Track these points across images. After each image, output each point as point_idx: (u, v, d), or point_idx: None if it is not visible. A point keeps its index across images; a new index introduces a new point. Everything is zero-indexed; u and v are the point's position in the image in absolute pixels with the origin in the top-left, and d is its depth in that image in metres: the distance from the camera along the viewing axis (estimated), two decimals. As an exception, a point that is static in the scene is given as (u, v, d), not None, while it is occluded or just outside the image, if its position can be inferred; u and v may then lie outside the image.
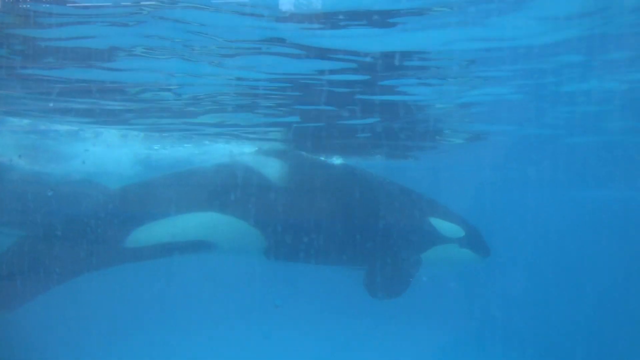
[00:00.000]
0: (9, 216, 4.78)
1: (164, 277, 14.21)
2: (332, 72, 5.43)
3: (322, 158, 8.83)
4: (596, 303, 18.03)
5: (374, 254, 5.82)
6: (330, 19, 4.19)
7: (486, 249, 6.43)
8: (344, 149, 9.36)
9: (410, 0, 3.93)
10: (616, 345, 13.59)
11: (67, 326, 11.49)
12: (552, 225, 20.27)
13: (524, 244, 20.91)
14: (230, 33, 4.53)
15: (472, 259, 6.37)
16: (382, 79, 5.61)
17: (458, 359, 12.50)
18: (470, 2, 3.98)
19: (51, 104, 7.12)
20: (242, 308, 13.89)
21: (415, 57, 5.06)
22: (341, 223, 5.73)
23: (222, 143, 10.16)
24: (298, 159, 6.01)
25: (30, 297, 4.44)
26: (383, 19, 4.18)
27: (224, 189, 5.29)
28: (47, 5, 4.11)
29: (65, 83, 5.97)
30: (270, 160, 5.75)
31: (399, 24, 4.30)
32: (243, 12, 4.07)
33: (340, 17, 4.14)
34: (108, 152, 10.21)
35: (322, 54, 4.88)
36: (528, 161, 12.83)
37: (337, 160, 9.23)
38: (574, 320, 15.77)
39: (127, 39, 4.67)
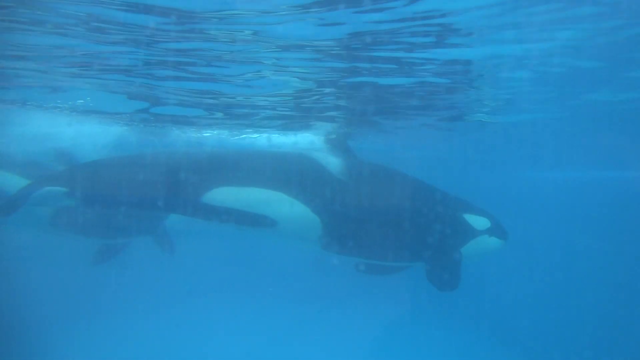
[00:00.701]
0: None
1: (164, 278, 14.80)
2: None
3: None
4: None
5: (420, 252, 6.32)
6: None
7: (506, 233, 6.76)
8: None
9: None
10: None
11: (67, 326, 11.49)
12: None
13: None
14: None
15: (498, 247, 6.72)
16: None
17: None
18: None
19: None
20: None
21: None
22: (391, 221, 6.22)
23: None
24: (356, 159, 6.57)
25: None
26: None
27: (293, 174, 5.98)
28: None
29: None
30: (332, 156, 6.32)
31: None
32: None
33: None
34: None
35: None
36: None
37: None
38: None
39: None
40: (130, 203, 5.99)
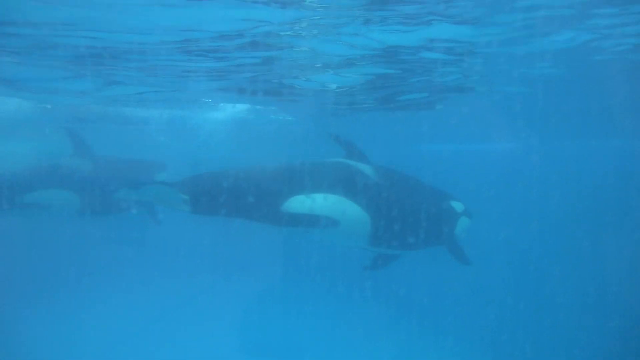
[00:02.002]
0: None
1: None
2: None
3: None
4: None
5: (436, 239, 7.52)
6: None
7: (471, 212, 7.79)
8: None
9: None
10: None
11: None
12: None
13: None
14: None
15: (469, 225, 7.78)
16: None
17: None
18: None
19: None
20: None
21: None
22: (413, 214, 7.21)
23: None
24: (372, 162, 7.60)
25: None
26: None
27: (347, 180, 7.04)
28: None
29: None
30: (362, 162, 7.39)
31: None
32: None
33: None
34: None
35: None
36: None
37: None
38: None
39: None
40: (229, 211, 6.82)
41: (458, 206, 7.65)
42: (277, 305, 13.88)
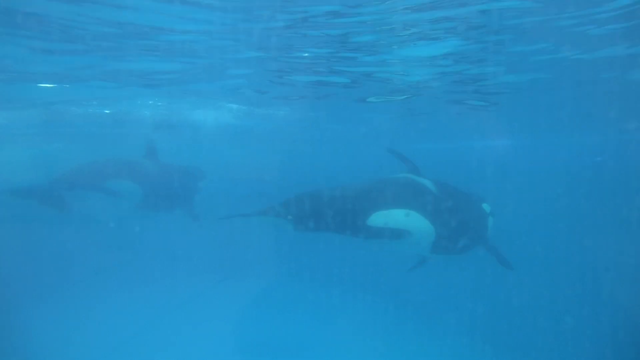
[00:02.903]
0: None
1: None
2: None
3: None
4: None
5: (480, 240, 8.12)
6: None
7: (494, 213, 8.35)
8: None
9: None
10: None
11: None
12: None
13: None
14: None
15: (494, 225, 8.33)
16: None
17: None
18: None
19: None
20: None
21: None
22: (464, 221, 7.91)
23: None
24: (433, 178, 8.30)
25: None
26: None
27: (417, 194, 7.68)
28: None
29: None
30: (424, 177, 8.06)
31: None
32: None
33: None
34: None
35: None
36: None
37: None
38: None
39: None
40: (326, 228, 7.43)
41: (487, 207, 8.24)
42: (277, 305, 13.89)
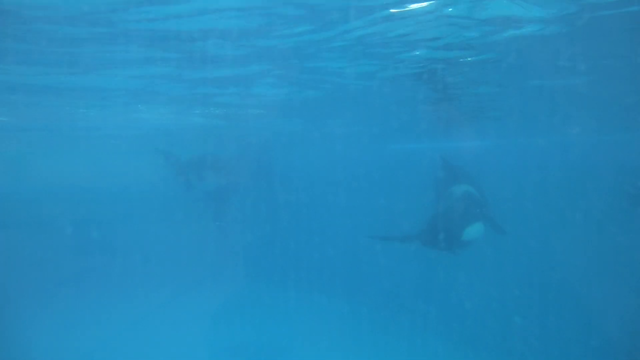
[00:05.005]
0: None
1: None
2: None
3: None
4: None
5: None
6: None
7: None
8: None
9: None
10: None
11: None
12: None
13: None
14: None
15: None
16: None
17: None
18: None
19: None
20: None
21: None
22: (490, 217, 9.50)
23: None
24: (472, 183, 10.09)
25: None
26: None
27: (480, 207, 9.28)
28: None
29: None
30: (470, 185, 9.77)
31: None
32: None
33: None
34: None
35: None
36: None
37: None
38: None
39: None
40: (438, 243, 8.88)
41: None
42: (277, 305, 14.14)
